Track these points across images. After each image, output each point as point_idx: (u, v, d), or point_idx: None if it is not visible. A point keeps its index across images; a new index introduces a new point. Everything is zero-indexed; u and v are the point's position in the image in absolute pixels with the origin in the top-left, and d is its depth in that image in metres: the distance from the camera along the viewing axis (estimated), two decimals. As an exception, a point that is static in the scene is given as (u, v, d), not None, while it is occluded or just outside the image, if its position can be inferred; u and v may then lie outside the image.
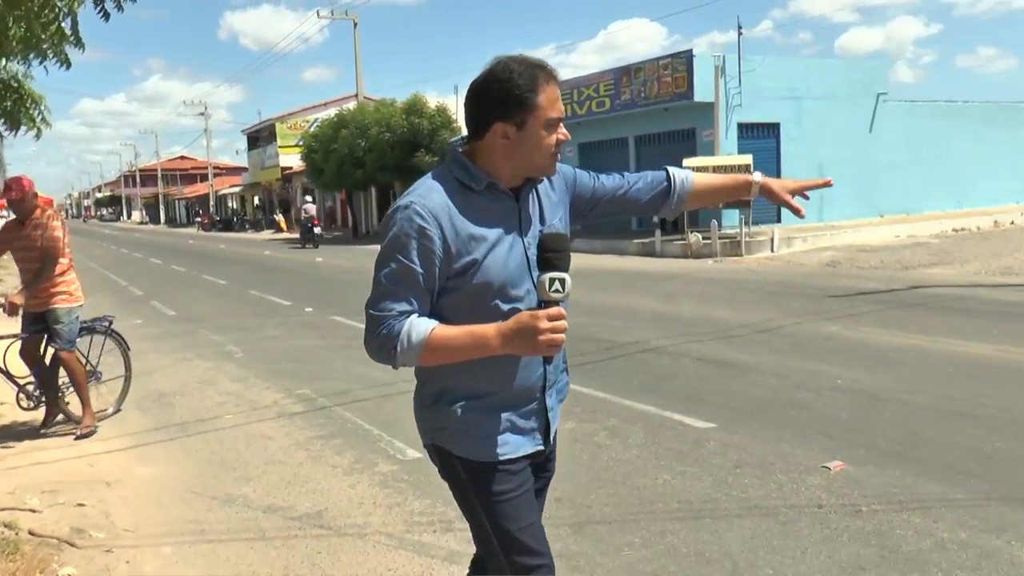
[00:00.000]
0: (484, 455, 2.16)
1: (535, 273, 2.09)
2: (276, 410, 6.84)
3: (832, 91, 24.73)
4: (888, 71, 31.24)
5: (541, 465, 2.34)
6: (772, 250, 19.22)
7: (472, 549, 2.41)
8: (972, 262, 15.17)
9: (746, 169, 18.08)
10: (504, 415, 2.18)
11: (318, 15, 37.43)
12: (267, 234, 45.91)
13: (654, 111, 24.73)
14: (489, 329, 2.00)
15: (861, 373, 7.05)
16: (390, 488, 4.90)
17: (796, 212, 2.44)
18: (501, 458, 2.16)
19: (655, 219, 19.75)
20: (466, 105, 2.15)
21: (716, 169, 18.95)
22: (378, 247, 2.10)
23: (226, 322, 12.03)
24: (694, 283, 14.29)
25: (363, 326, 2.07)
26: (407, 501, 4.67)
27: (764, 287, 13.41)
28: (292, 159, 45.09)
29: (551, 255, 2.01)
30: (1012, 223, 24.07)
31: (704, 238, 19.48)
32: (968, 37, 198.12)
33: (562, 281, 1.97)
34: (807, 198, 2.50)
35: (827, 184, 2.51)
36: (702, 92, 22.60)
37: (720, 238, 19.35)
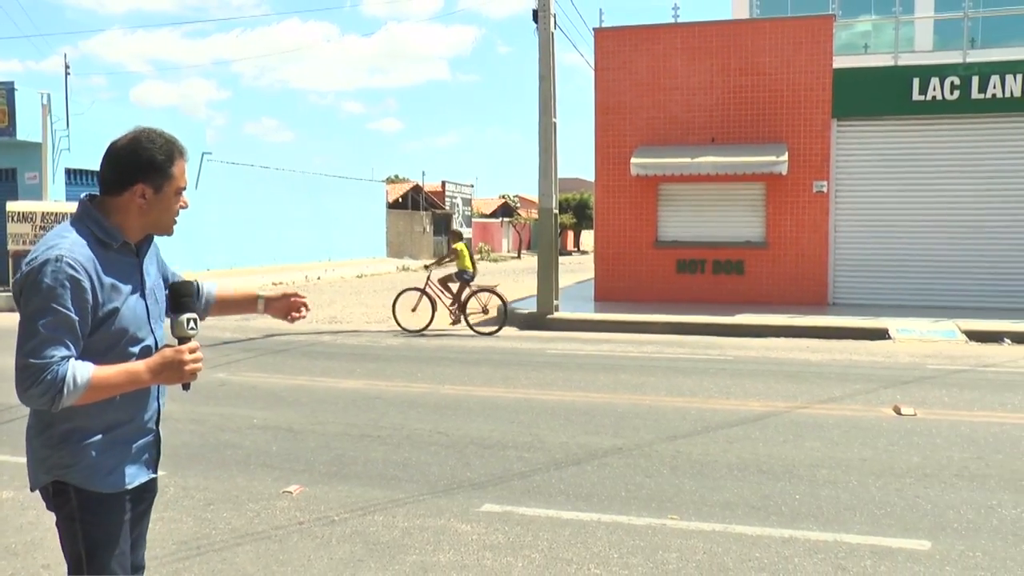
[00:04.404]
0: (108, 487, 2.44)
1: (152, 320, 2.54)
2: None
3: (157, 146, 25.16)
4: (206, 131, 32.93)
5: (147, 487, 2.64)
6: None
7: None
8: (304, 312, 17.17)
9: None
10: (128, 447, 2.50)
11: None
12: None
13: (-29, 146, 22.28)
14: (139, 365, 2.37)
15: (268, 412, 7.94)
16: None
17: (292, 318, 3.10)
18: (120, 489, 2.47)
19: None
20: (108, 164, 2.44)
21: (45, 215, 18.31)
22: None
23: None
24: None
25: None
26: None
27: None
28: None
29: (185, 299, 2.50)
30: (319, 278, 27.47)
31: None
32: (254, 107, 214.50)
33: (194, 320, 2.49)
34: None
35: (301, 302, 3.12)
36: (26, 130, 21.21)
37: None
